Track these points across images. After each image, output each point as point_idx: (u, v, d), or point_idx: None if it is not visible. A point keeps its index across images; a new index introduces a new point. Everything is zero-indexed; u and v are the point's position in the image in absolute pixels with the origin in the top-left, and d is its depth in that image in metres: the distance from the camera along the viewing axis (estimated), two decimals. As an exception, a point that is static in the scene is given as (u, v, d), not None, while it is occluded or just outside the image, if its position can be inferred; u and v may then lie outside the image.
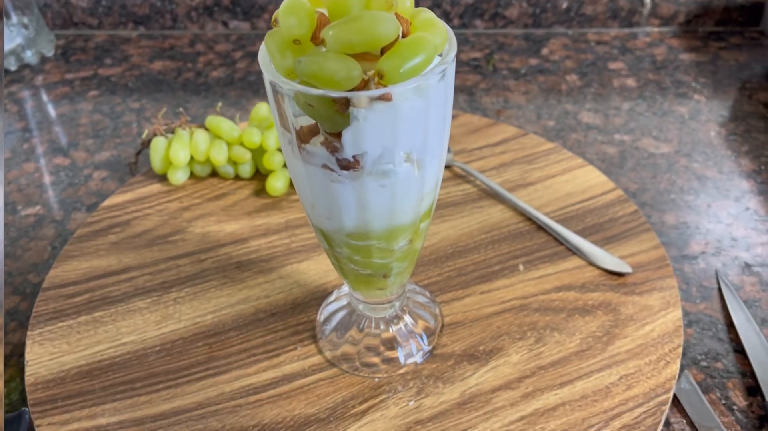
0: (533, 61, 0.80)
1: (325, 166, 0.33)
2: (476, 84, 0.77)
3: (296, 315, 0.48)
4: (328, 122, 0.32)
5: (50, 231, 0.59)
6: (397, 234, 0.37)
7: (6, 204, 0.63)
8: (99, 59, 0.85)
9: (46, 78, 0.82)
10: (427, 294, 0.49)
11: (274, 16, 0.33)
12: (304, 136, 0.33)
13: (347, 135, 0.32)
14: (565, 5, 0.84)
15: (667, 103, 0.72)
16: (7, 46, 0.83)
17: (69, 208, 0.62)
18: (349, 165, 0.33)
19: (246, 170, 0.60)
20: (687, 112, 0.70)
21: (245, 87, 0.78)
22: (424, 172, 0.35)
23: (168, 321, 0.48)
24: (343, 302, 0.47)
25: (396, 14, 0.32)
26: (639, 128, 0.68)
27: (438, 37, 0.32)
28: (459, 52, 0.83)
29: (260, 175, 0.61)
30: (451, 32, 0.34)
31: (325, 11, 0.32)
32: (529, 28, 0.87)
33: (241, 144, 0.60)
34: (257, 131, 0.59)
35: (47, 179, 0.66)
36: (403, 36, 0.32)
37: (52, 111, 0.76)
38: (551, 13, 0.85)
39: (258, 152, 0.60)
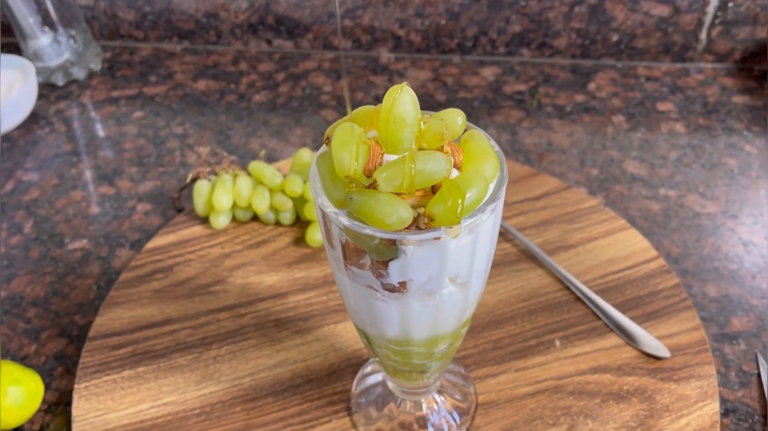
0: (579, 98, 0.79)
1: (369, 286, 0.34)
2: (519, 121, 0.76)
3: (332, 383, 0.49)
4: (376, 253, 0.32)
5: (96, 268, 0.61)
6: (438, 341, 0.38)
7: (54, 236, 0.65)
8: (144, 75, 0.86)
9: (93, 95, 0.83)
10: (462, 371, 0.49)
11: (326, 134, 0.33)
12: (349, 254, 0.34)
13: (394, 265, 0.32)
14: (615, 38, 0.82)
15: (716, 154, 0.70)
16: (56, 61, 0.84)
17: (113, 243, 0.63)
18: (394, 289, 0.33)
19: (287, 218, 0.61)
20: (737, 166, 0.68)
21: (287, 114, 0.79)
22: (469, 290, 0.35)
23: (208, 382, 0.50)
24: (380, 377, 0.48)
25: (449, 144, 0.32)
26: (685, 182, 0.67)
27: (489, 168, 0.32)
28: (503, 83, 0.81)
29: (300, 222, 0.62)
30: (502, 157, 0.33)
31: (376, 135, 0.32)
32: (576, 58, 0.84)
33: (283, 192, 0.60)
34: (299, 180, 0.59)
35: (93, 210, 0.67)
36: (455, 166, 0.32)
37: (98, 131, 0.78)
38: (601, 44, 0.83)
39: (299, 201, 0.60)
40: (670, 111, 0.76)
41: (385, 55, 0.88)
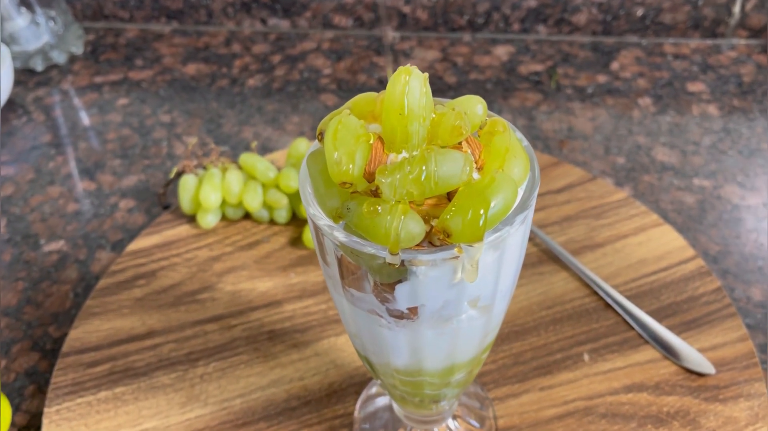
0: (601, 78, 0.72)
1: (372, 312, 0.28)
2: (537, 105, 0.69)
3: (332, 406, 0.44)
4: (380, 275, 0.26)
5: (73, 273, 0.56)
6: (455, 371, 0.32)
7: (28, 236, 0.59)
8: (130, 59, 0.80)
9: (75, 80, 0.77)
10: (480, 391, 0.43)
11: (319, 128, 0.27)
12: (347, 273, 0.28)
13: (402, 289, 0.26)
14: (640, 12, 0.75)
15: (754, 139, 0.63)
16: (34, 45, 0.78)
17: (93, 245, 0.58)
18: (402, 316, 0.27)
19: (282, 216, 0.55)
20: (778, 152, 0.62)
21: (283, 99, 0.72)
22: (492, 313, 0.29)
23: (193, 404, 0.44)
24: (386, 400, 0.42)
25: (467, 140, 0.26)
26: (721, 171, 0.60)
27: (517, 168, 0.26)
28: (518, 64, 0.75)
29: (297, 220, 0.56)
30: (532, 154, 0.27)
31: (379, 129, 0.26)
32: (597, 36, 0.78)
33: (277, 187, 0.54)
34: (295, 174, 0.53)
35: (71, 208, 0.61)
36: (476, 167, 0.26)
37: (80, 120, 0.72)
38: (624, 20, 0.76)
39: (295, 196, 0.55)
40: (701, 92, 0.70)
41: (389, 33, 0.81)
